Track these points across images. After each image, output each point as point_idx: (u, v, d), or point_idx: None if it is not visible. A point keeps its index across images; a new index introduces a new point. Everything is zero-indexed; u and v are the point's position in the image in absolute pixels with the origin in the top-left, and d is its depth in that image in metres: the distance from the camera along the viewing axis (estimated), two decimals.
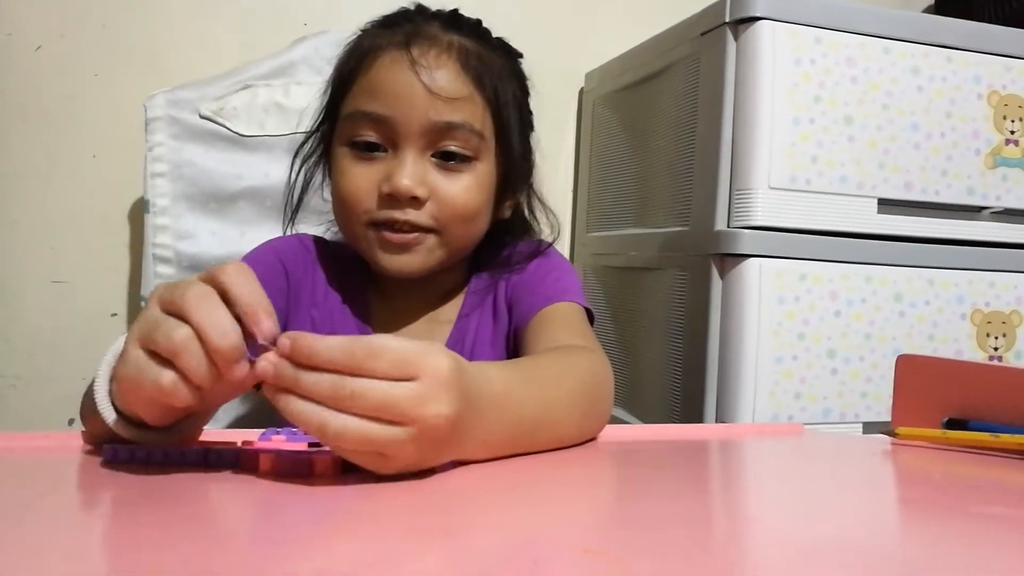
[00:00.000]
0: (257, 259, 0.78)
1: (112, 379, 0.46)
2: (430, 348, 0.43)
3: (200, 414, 0.48)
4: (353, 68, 0.75)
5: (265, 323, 0.42)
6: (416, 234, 0.72)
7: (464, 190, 0.72)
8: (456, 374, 0.43)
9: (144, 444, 0.46)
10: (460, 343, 0.77)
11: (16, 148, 1.26)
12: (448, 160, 0.72)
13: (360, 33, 0.78)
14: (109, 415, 0.45)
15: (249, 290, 0.42)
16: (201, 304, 0.41)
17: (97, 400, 0.46)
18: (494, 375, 0.50)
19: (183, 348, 0.40)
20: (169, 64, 1.28)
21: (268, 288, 0.75)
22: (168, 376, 0.40)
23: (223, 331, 0.40)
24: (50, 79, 1.26)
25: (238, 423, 0.96)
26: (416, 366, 0.41)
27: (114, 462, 0.46)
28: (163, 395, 0.41)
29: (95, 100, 1.27)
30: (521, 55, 0.82)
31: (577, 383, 0.59)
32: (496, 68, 0.76)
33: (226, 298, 0.42)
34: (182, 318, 0.41)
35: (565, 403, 0.56)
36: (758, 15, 1.00)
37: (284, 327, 0.75)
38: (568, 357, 0.64)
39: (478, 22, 0.78)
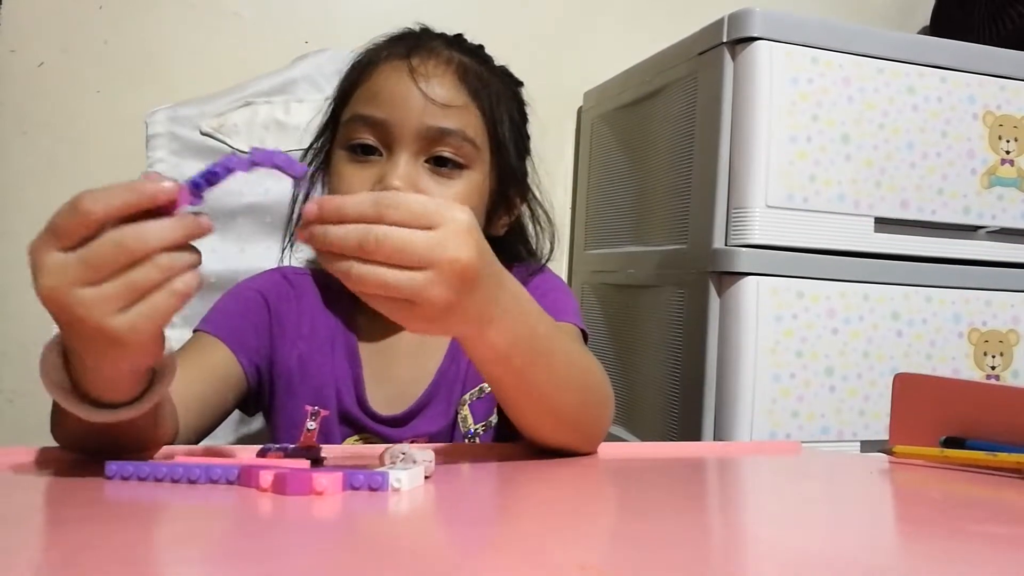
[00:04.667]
0: (237, 295, 0.79)
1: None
2: (450, 203, 0.47)
3: (161, 376, 0.48)
4: (355, 78, 0.77)
5: (164, 183, 0.42)
6: None
7: (455, 196, 0.72)
8: (475, 228, 0.47)
9: (104, 422, 0.46)
10: (456, 362, 0.77)
11: (18, 163, 1.26)
12: (441, 166, 0.72)
13: (366, 48, 0.79)
14: (58, 377, 0.45)
15: (114, 194, 0.41)
16: (121, 242, 0.40)
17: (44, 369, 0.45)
18: (512, 281, 0.54)
19: (170, 266, 0.41)
20: (170, 80, 1.29)
21: (248, 322, 0.76)
22: (163, 295, 0.41)
23: (150, 230, 0.40)
24: (52, 95, 1.27)
25: (243, 440, 0.96)
26: (436, 216, 0.45)
27: (115, 478, 0.46)
28: (177, 300, 0.41)
29: (96, 116, 1.28)
30: (521, 83, 0.83)
31: (578, 355, 0.62)
32: (494, 87, 0.77)
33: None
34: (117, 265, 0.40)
35: (570, 357, 0.59)
36: (755, 35, 1.01)
37: (270, 361, 0.77)
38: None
39: (480, 46, 0.81)
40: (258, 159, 0.44)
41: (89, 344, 0.42)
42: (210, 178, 0.43)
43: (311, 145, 0.83)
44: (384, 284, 0.44)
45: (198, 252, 0.43)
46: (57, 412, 0.51)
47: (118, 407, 0.47)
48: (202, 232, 0.42)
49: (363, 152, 0.73)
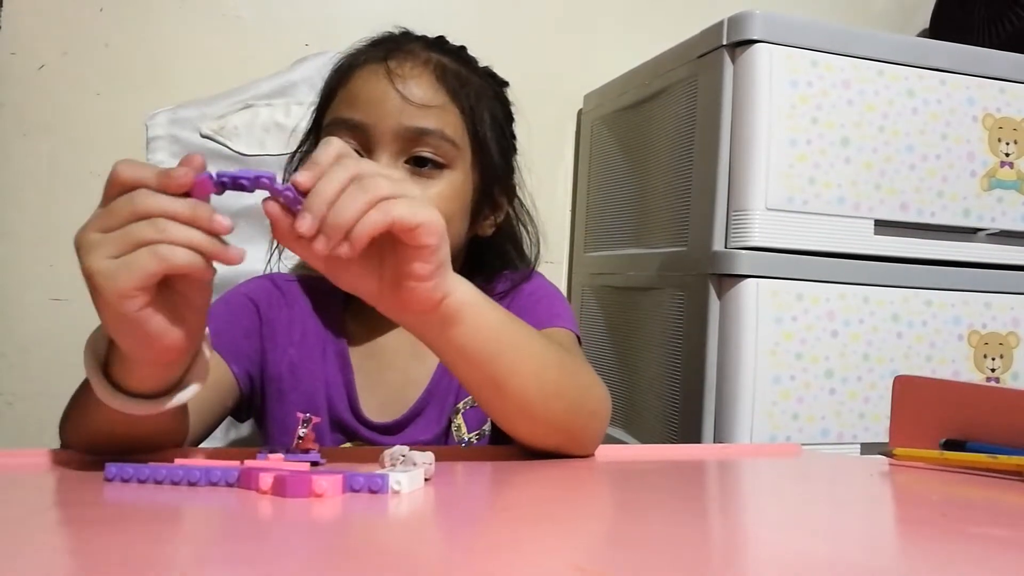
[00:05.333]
0: (227, 302, 0.79)
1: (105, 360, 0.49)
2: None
3: (189, 382, 0.50)
4: (335, 83, 0.77)
5: (195, 160, 0.45)
6: None
7: (436, 196, 0.72)
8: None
9: (134, 414, 0.48)
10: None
11: (18, 165, 1.26)
12: (421, 166, 0.72)
13: (346, 53, 0.79)
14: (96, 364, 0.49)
15: (143, 169, 0.44)
16: (142, 200, 0.43)
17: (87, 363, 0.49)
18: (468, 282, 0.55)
19: (164, 228, 0.43)
20: (171, 83, 1.29)
21: (239, 327, 0.77)
22: (165, 250, 0.43)
23: (161, 197, 0.44)
24: (53, 97, 1.27)
25: (233, 445, 0.96)
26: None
27: (115, 480, 0.46)
28: (157, 262, 0.43)
29: (97, 118, 1.28)
30: (507, 83, 0.83)
31: (560, 357, 0.61)
32: (475, 87, 0.77)
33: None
34: (134, 216, 0.43)
35: (551, 359, 0.59)
36: (755, 38, 1.01)
37: (261, 367, 0.77)
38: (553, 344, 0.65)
39: (462, 47, 0.80)
40: (287, 200, 0.46)
41: (91, 292, 0.45)
42: (235, 182, 0.46)
43: (296, 150, 0.83)
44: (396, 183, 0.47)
45: (219, 242, 0.45)
46: (75, 406, 0.53)
47: (140, 400, 0.48)
48: (211, 225, 0.45)
49: None
